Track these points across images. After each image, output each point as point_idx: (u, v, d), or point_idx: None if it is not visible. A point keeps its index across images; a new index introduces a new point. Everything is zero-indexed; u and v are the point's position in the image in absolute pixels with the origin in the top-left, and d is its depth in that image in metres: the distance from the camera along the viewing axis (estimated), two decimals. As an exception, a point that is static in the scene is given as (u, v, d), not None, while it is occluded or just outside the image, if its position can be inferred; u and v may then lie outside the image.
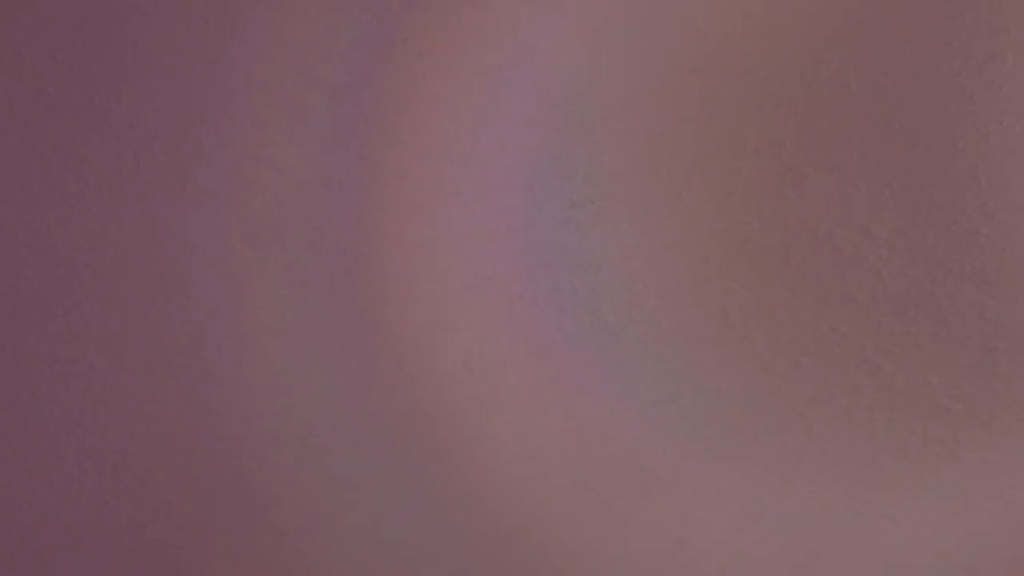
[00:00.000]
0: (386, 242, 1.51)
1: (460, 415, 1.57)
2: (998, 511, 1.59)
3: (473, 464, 1.57)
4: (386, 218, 1.51)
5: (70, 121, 1.50)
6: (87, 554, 1.61)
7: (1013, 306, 1.47)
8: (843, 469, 1.57)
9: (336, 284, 1.52)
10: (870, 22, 1.37)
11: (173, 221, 1.48)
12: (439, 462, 1.53)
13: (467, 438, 1.53)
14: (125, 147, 1.49)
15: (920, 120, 1.38)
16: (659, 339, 1.51)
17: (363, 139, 1.48)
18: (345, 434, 1.52)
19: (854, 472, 1.58)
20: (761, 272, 1.46)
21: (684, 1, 1.41)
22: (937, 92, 1.37)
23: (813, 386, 1.53)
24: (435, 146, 1.45)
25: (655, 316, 1.51)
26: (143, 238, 1.50)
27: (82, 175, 1.49)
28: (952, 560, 1.57)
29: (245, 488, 1.57)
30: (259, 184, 1.51)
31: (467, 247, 1.51)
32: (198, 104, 1.48)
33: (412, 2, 1.44)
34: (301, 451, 1.56)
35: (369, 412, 1.55)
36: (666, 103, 1.44)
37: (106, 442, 1.55)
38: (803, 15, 1.37)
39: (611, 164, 1.43)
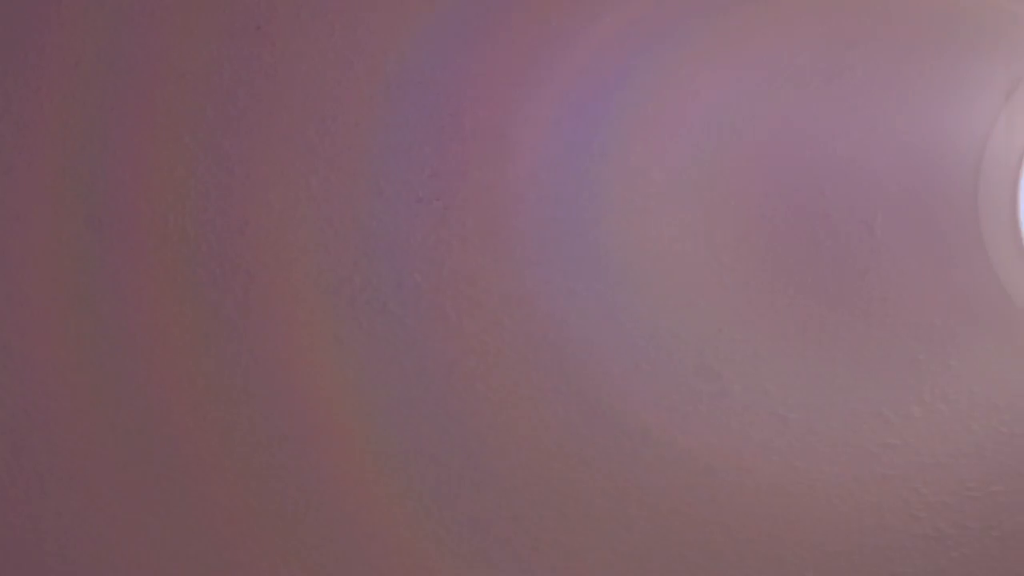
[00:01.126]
0: (231, 232, 1.48)
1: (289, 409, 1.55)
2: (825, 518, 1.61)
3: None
4: (230, 207, 1.48)
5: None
6: None
7: (851, 317, 1.49)
8: (679, 475, 1.58)
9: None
10: None
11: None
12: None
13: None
14: None
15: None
16: (498, 339, 1.50)
17: (197, 128, 1.44)
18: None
19: (689, 478, 1.58)
20: (605, 275, 1.45)
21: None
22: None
23: (652, 391, 1.53)
24: (283, 136, 1.42)
25: (496, 316, 1.50)
26: None
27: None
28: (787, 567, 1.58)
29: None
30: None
31: (312, 240, 1.49)
32: None
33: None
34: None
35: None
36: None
37: None
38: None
39: (457, 161, 1.41)
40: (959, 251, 1.43)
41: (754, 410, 1.54)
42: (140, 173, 1.47)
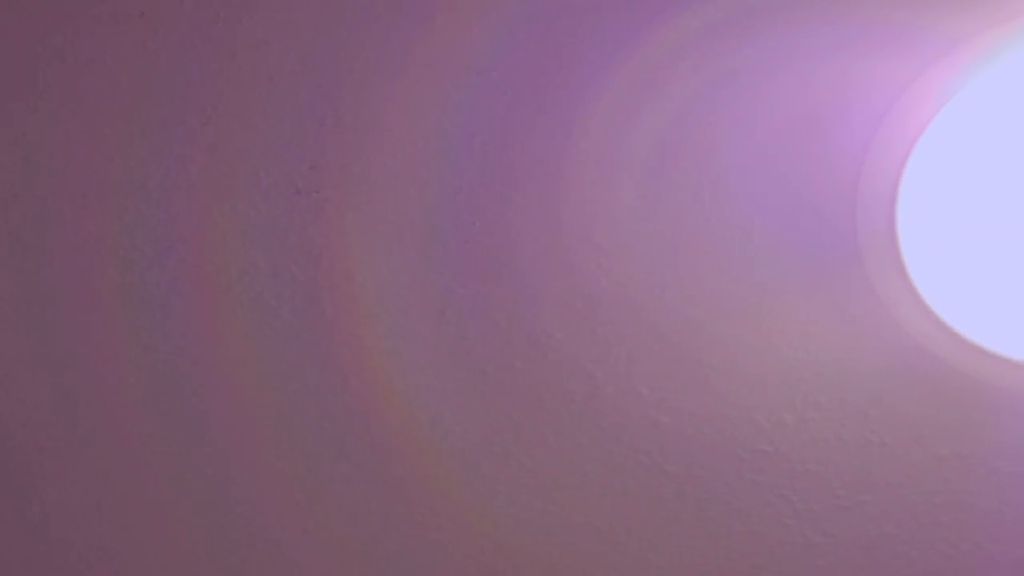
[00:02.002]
0: (109, 217, 1.47)
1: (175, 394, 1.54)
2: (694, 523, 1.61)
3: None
4: (107, 192, 1.47)
5: None
6: None
7: (726, 322, 1.49)
8: (549, 475, 1.58)
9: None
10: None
11: None
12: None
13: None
14: None
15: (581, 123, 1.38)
16: (373, 333, 1.50)
17: (76, 113, 1.43)
18: None
19: (559, 478, 1.58)
20: (481, 272, 1.45)
21: None
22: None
23: (524, 390, 1.53)
24: (163, 124, 1.41)
25: (372, 310, 1.49)
26: None
27: None
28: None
29: None
30: None
31: (189, 231, 1.48)
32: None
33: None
34: None
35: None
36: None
37: None
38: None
39: (337, 154, 1.41)
40: (836, 261, 1.44)
41: (626, 412, 1.54)
42: (16, 156, 1.46)
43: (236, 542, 1.65)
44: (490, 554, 1.64)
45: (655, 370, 1.52)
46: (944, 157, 1.47)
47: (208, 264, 1.50)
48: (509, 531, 1.62)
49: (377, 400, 1.54)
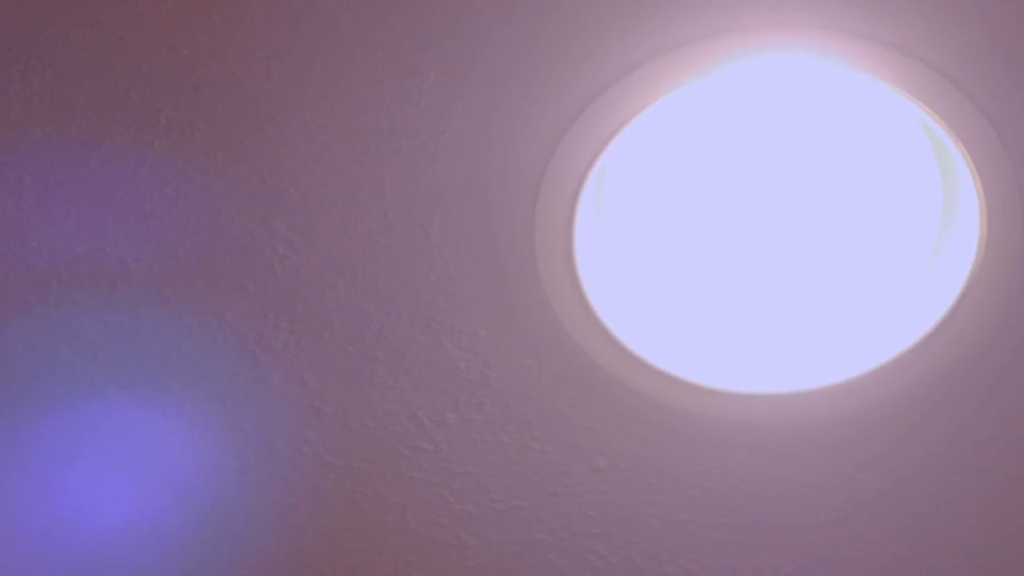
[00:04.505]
0: None
1: None
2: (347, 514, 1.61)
3: None
4: None
5: None
6: None
7: (398, 319, 1.49)
8: (206, 456, 1.56)
9: None
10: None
11: None
12: None
13: None
14: None
15: (339, 127, 1.37)
16: (42, 299, 1.46)
17: None
18: None
19: (219, 460, 1.57)
20: (156, 251, 1.42)
21: None
22: (358, 99, 1.37)
23: (190, 369, 1.51)
24: None
25: (43, 278, 1.45)
26: None
27: None
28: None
29: None
30: None
31: None
32: None
33: None
34: None
35: None
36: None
37: None
38: None
39: (21, 119, 1.36)
40: (512, 267, 1.45)
41: (291, 400, 1.53)
42: None
43: None
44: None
45: (322, 360, 1.51)
46: (621, 177, 1.50)
47: None
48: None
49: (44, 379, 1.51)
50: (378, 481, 1.58)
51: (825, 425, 1.57)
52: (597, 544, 1.62)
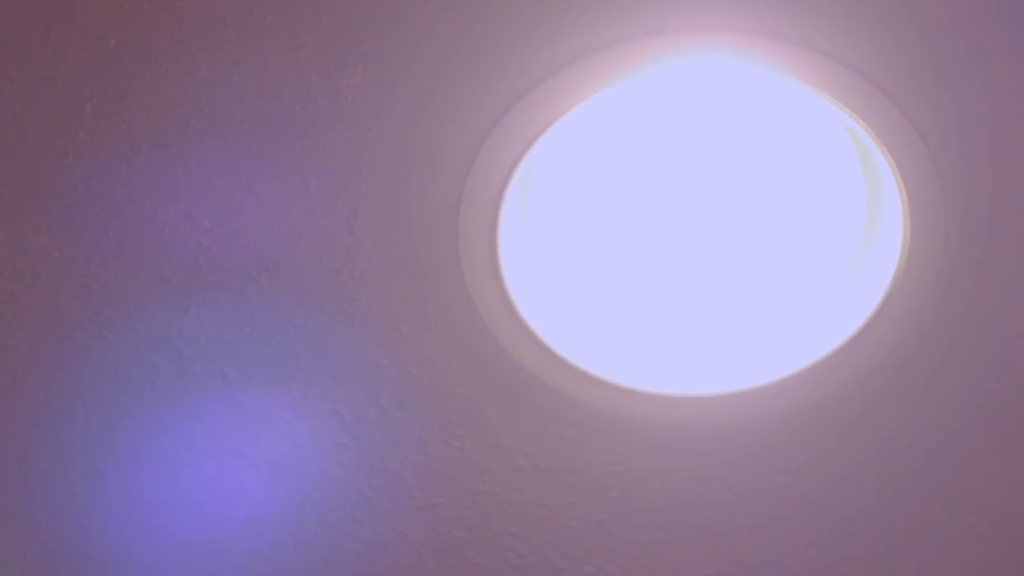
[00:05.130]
0: None
1: None
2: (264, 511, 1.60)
3: None
4: None
5: None
6: None
7: (320, 315, 1.49)
8: (129, 450, 1.55)
9: None
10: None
11: None
12: None
13: None
14: None
15: (265, 120, 1.38)
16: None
17: None
18: None
19: (139, 452, 1.56)
20: (79, 241, 1.42)
21: None
22: (285, 93, 1.37)
23: (113, 360, 1.50)
24: None
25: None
26: None
27: None
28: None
29: None
30: None
31: None
32: None
33: None
34: None
35: None
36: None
37: None
38: None
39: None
40: (436, 265, 1.45)
41: (211, 393, 1.53)
42: None
43: None
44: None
45: (243, 353, 1.51)
46: (547, 177, 1.51)
47: None
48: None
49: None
50: (297, 475, 1.58)
51: (747, 428, 1.58)
52: (515, 543, 1.63)
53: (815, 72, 1.38)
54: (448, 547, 1.64)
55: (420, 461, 1.59)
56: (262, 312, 1.49)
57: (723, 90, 1.49)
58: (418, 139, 1.41)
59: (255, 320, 1.50)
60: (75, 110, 1.37)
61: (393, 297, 1.49)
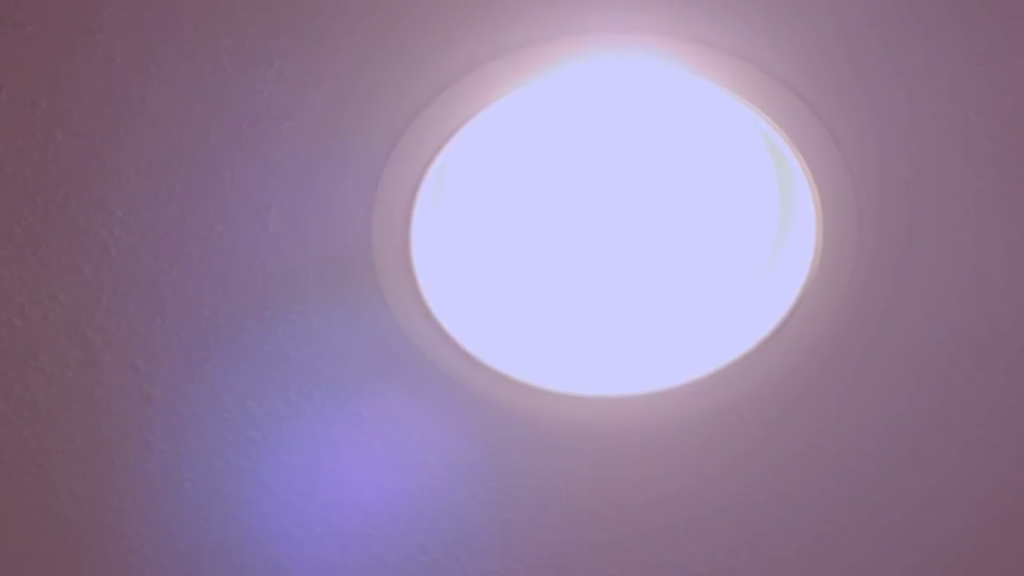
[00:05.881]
0: None
1: None
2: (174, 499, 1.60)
3: None
4: None
5: None
6: None
7: (231, 307, 1.49)
8: (35, 436, 1.55)
9: None
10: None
11: None
12: None
13: None
14: None
15: (181, 111, 1.38)
16: None
17: None
18: None
19: (45, 440, 1.56)
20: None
21: None
22: (201, 85, 1.38)
23: (22, 349, 1.50)
24: None
25: None
26: None
27: None
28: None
29: None
30: None
31: None
32: None
33: None
34: None
35: None
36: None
37: None
38: None
39: None
40: (348, 259, 1.46)
41: (120, 383, 1.52)
42: None
43: None
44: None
45: (153, 345, 1.51)
46: (463, 175, 1.52)
47: None
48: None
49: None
50: (205, 468, 1.58)
51: (658, 430, 1.60)
52: (422, 539, 1.64)
53: (729, 74, 1.40)
54: (355, 542, 1.65)
55: (328, 455, 1.59)
56: (173, 303, 1.49)
57: (640, 91, 1.51)
58: (334, 134, 1.41)
59: (166, 311, 1.50)
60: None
61: (305, 291, 1.49)
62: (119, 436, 1.58)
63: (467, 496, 1.64)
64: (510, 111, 1.44)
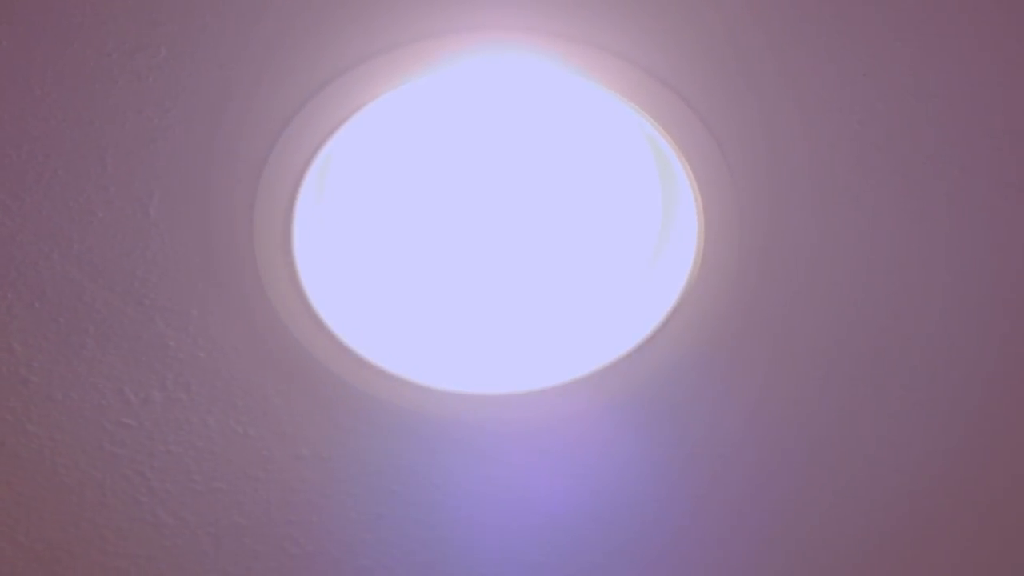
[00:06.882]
0: None
1: None
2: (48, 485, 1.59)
3: None
4: None
5: None
6: None
7: (110, 294, 1.49)
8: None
9: None
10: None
11: None
12: None
13: None
14: None
15: (65, 96, 1.37)
16: None
17: None
18: None
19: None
20: None
21: None
22: (85, 70, 1.37)
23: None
24: None
25: None
26: None
27: None
28: None
29: None
30: None
31: None
32: None
33: None
34: None
35: None
36: None
37: None
38: None
39: None
40: (230, 249, 1.46)
41: (-3, 366, 1.52)
42: None
43: None
44: None
45: (31, 328, 1.51)
46: (346, 169, 1.53)
47: None
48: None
49: None
50: (79, 454, 1.58)
51: (539, 428, 1.61)
52: (295, 531, 1.64)
53: (614, 76, 1.42)
54: (227, 532, 1.65)
55: (202, 445, 1.59)
56: (52, 288, 1.48)
57: (524, 89, 1.52)
58: (218, 124, 1.42)
59: (45, 296, 1.49)
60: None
61: (185, 280, 1.49)
62: (9, 430, 1.56)
63: (339, 489, 1.64)
64: (397, 106, 1.46)
